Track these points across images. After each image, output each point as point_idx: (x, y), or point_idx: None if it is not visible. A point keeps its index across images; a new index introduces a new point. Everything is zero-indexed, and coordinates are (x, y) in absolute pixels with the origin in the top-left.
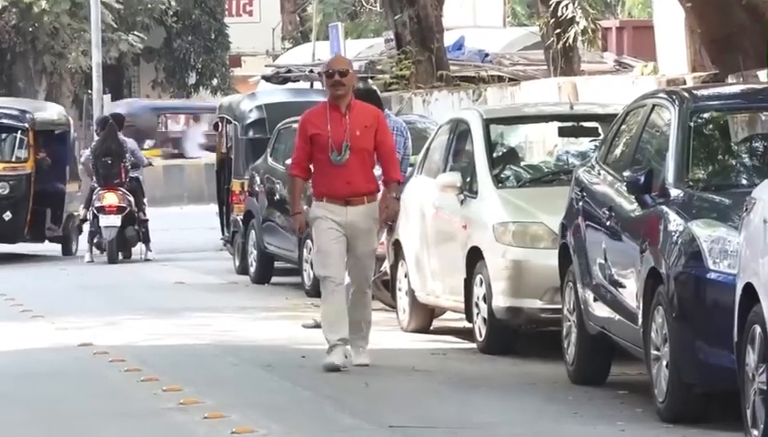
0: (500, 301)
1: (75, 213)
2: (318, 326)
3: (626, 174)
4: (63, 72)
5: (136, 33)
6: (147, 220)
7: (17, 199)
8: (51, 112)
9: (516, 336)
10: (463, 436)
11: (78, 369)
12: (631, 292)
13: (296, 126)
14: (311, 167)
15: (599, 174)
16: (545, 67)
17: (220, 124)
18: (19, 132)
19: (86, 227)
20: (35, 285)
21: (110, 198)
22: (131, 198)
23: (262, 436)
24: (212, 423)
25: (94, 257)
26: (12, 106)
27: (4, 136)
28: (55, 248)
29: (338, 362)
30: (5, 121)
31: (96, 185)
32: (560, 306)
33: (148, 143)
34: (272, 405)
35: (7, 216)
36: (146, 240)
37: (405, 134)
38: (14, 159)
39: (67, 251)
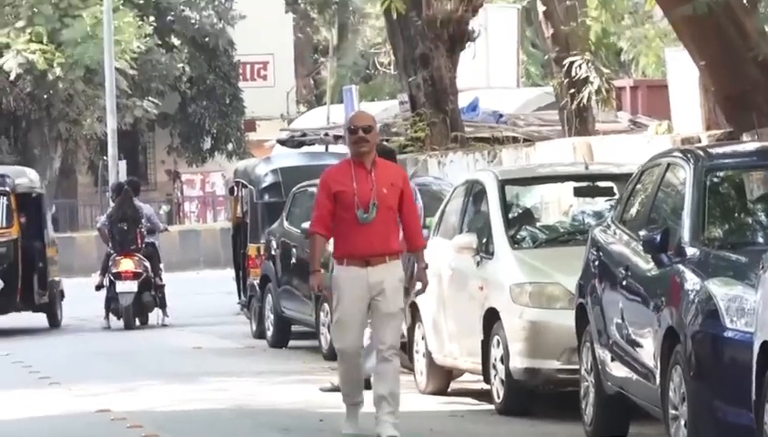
0: (518, 362)
1: (57, 279)
2: (335, 389)
3: (642, 233)
4: (78, 138)
5: (150, 99)
6: (164, 285)
7: (8, 266)
8: (28, 176)
9: (534, 397)
10: None
11: (96, 435)
12: (648, 352)
13: (312, 189)
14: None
15: (615, 233)
16: (560, 128)
17: (236, 188)
18: (3, 197)
19: (102, 293)
20: (51, 352)
21: (126, 264)
22: (147, 264)
23: None
24: None
25: (110, 323)
26: None
27: None
28: (40, 320)
29: (353, 431)
30: None
31: (111, 251)
32: (577, 366)
33: (164, 209)
34: None
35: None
36: (163, 306)
37: (417, 198)
38: (2, 225)
39: (54, 322)
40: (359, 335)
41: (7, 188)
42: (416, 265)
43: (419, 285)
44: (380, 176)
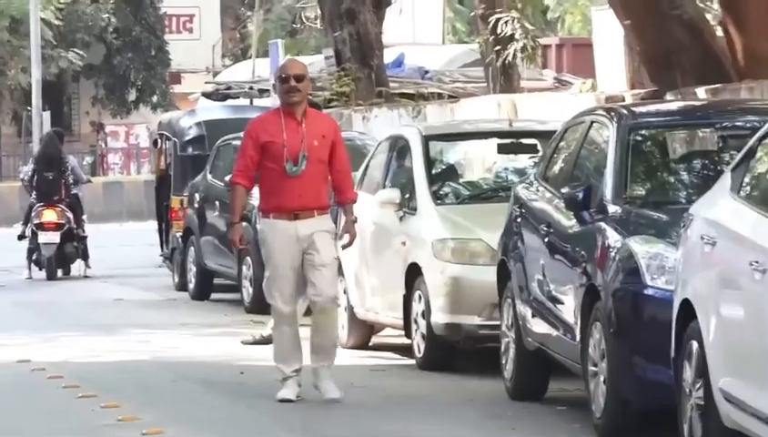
0: (439, 318)
1: None
2: (257, 342)
3: (564, 190)
4: (2, 89)
5: (75, 50)
6: (86, 237)
7: None
8: None
9: (455, 352)
10: None
11: (16, 385)
12: (569, 308)
13: (236, 143)
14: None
15: (537, 190)
16: (485, 84)
17: (159, 140)
18: None
19: (25, 243)
20: None
21: (49, 215)
22: (70, 215)
23: None
24: None
25: (32, 273)
26: None
27: None
28: None
29: (292, 397)
30: None
31: (35, 201)
32: (498, 322)
33: (88, 160)
34: (210, 421)
35: None
36: (86, 257)
37: None
38: None
39: None
40: (294, 292)
41: None
42: (344, 218)
43: (346, 238)
44: (311, 127)
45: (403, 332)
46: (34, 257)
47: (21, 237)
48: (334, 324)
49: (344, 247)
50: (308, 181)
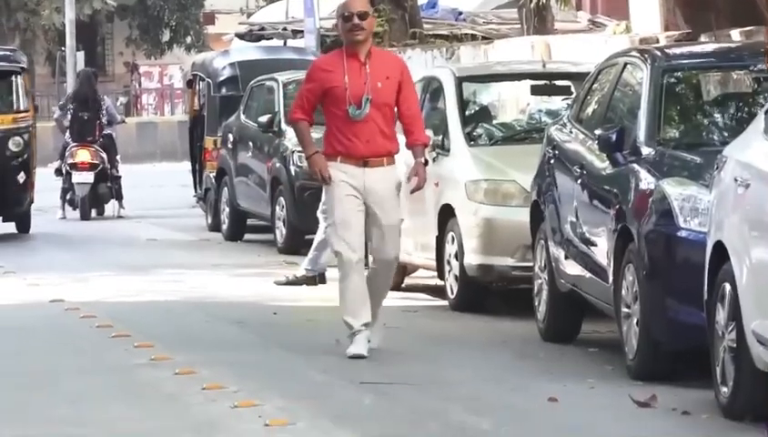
0: (472, 259)
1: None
2: (290, 283)
3: (598, 132)
4: (36, 28)
5: None
6: (120, 177)
7: (28, 157)
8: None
9: (487, 293)
10: (433, 392)
11: (49, 325)
12: (602, 250)
13: (269, 83)
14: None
15: (571, 132)
16: (518, 26)
17: (193, 81)
18: (17, 76)
19: (59, 183)
20: (6, 242)
21: (83, 155)
22: (104, 155)
23: (232, 392)
24: (182, 380)
25: (66, 213)
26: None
27: None
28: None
29: (365, 353)
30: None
31: (69, 141)
32: (531, 264)
33: (122, 100)
34: (243, 362)
35: (21, 178)
36: (119, 197)
37: None
38: (22, 108)
39: (25, 228)
40: (361, 238)
41: (22, 65)
42: (415, 160)
43: (414, 181)
44: (375, 68)
45: (436, 274)
46: (68, 196)
47: (58, 172)
48: (389, 279)
49: (412, 191)
50: (375, 125)
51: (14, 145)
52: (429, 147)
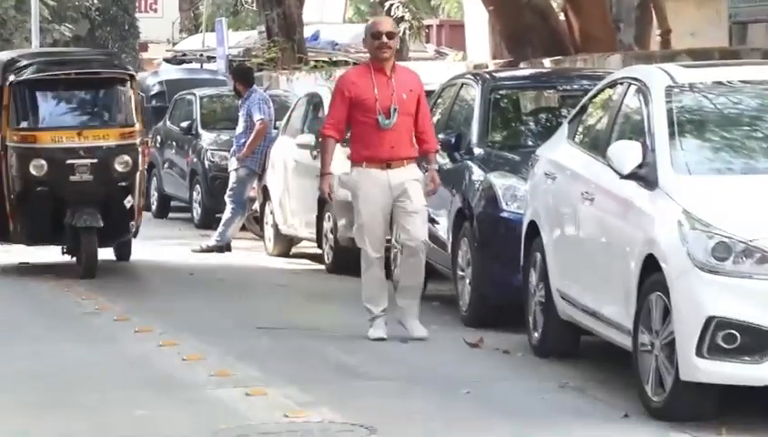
0: (344, 232)
1: None
2: (203, 251)
3: (440, 136)
4: None
5: (66, 24)
6: None
7: (136, 178)
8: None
9: (357, 259)
10: (315, 336)
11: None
12: (443, 227)
13: (189, 97)
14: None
15: None
16: None
17: None
18: (126, 84)
19: None
20: None
21: None
22: None
23: (158, 334)
24: (118, 324)
25: None
26: (98, 52)
27: (102, 91)
28: None
29: (384, 336)
30: (106, 70)
31: None
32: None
33: None
34: (167, 310)
35: (128, 202)
36: None
37: (269, 104)
38: (130, 122)
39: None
40: (382, 238)
41: (131, 72)
42: (428, 167)
43: (431, 185)
44: (400, 82)
45: (316, 244)
46: None
47: None
48: (422, 266)
49: (428, 193)
50: (399, 133)
51: (120, 164)
52: (308, 147)
